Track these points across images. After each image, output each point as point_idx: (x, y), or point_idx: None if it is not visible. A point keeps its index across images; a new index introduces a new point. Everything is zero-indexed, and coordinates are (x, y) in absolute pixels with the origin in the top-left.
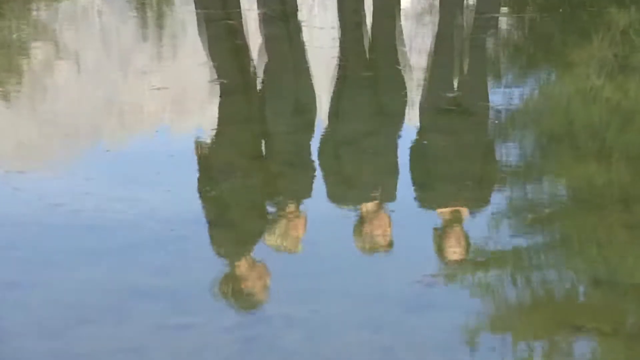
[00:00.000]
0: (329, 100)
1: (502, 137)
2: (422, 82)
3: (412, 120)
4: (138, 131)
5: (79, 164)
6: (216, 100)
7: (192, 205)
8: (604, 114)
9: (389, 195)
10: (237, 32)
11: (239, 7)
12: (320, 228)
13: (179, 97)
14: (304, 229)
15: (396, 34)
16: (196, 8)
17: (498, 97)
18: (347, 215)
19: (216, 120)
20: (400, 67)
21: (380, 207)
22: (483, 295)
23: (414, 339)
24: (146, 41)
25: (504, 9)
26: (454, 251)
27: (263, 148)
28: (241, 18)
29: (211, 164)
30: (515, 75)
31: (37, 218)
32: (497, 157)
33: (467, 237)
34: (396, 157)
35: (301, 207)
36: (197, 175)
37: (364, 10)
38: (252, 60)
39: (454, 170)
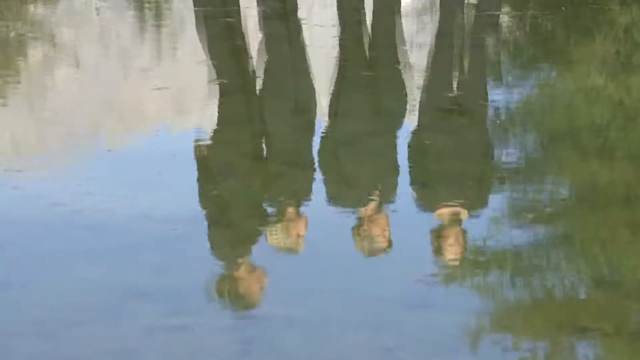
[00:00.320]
0: (329, 99)
1: (504, 136)
2: (422, 82)
3: (412, 120)
4: (138, 131)
5: (79, 164)
6: (216, 100)
7: (192, 205)
8: (607, 112)
9: (389, 195)
10: (236, 31)
11: (238, 5)
12: (319, 228)
13: (179, 97)
14: (305, 229)
15: (396, 32)
16: (195, 6)
17: (499, 95)
18: (346, 215)
19: (216, 120)
20: (400, 66)
21: (380, 207)
22: (484, 296)
23: (414, 339)
24: (145, 40)
25: (506, 7)
26: (454, 252)
27: (263, 148)
28: (240, 16)
29: (211, 164)
30: (517, 74)
31: (36, 217)
32: (499, 157)
33: (465, 238)
34: (396, 156)
35: (301, 207)
36: (197, 175)
37: (364, 8)
38: (252, 58)
39: (453, 170)
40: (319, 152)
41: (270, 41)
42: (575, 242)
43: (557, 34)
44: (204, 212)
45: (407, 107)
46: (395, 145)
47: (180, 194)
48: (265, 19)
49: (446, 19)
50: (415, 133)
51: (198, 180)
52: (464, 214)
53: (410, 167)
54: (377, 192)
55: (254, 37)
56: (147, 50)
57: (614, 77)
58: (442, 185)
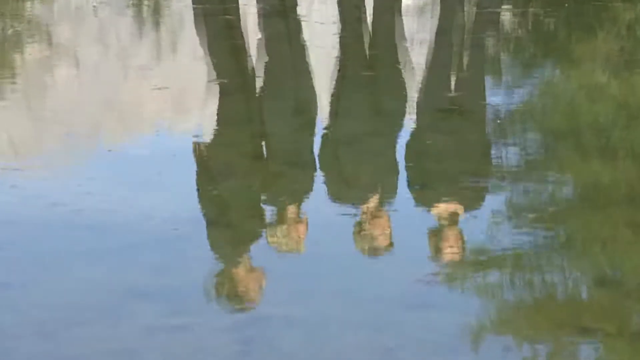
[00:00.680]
0: (329, 99)
1: (505, 134)
2: (421, 81)
3: (411, 119)
4: (138, 131)
5: (79, 164)
6: (216, 100)
7: (192, 205)
8: (610, 111)
9: (389, 195)
10: (235, 29)
11: (237, 2)
12: (320, 228)
13: (179, 97)
14: (305, 229)
15: (397, 30)
16: (194, 3)
17: (500, 94)
18: (347, 215)
19: (216, 120)
20: (400, 66)
21: (380, 206)
22: (484, 296)
23: (414, 339)
24: (144, 38)
25: (507, 4)
26: (452, 252)
27: (263, 148)
28: (239, 13)
29: (211, 164)
30: (519, 72)
31: (36, 217)
32: (499, 156)
33: (463, 238)
34: (396, 156)
35: (301, 207)
36: (197, 175)
37: (364, 5)
38: (251, 57)
39: (452, 169)
40: (319, 152)
41: (270, 41)
42: (577, 242)
43: (559, 31)
44: (203, 212)
45: (408, 107)
46: (395, 145)
47: (180, 194)
48: (265, 16)
49: (446, 17)
50: (414, 133)
51: (198, 180)
52: (460, 209)
53: (409, 167)
54: (378, 192)
55: (253, 35)
56: (146, 49)
57: (617, 74)
58: (440, 185)
